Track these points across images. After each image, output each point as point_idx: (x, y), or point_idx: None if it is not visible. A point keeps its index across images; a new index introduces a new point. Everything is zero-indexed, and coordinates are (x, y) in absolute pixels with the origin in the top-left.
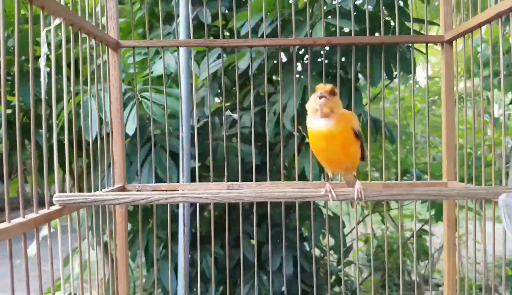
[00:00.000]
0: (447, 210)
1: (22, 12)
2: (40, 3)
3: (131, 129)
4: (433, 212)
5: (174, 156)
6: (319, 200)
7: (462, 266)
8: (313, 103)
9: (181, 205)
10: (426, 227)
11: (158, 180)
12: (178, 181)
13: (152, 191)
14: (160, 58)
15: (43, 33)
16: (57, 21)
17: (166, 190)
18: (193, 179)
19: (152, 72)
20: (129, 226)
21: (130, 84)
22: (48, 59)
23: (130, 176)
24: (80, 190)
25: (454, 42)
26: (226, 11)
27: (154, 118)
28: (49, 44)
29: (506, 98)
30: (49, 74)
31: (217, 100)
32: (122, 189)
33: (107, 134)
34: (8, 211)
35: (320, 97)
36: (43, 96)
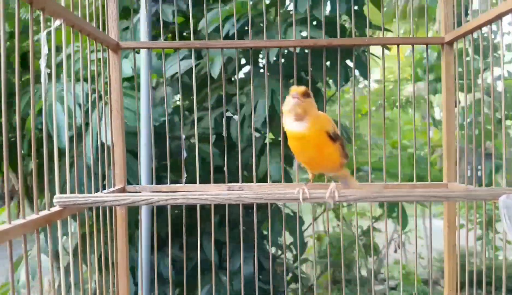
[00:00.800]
0: (447, 211)
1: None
2: (41, 5)
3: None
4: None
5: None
6: (320, 201)
7: (407, 260)
8: (287, 104)
9: (143, 208)
10: (375, 225)
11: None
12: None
13: (152, 192)
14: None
15: (43, 34)
16: (58, 22)
17: (167, 192)
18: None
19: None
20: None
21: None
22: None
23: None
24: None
25: (454, 43)
26: (188, 9)
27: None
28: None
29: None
30: (49, 75)
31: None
32: (123, 190)
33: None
34: (9, 212)
35: (293, 98)
36: (43, 97)
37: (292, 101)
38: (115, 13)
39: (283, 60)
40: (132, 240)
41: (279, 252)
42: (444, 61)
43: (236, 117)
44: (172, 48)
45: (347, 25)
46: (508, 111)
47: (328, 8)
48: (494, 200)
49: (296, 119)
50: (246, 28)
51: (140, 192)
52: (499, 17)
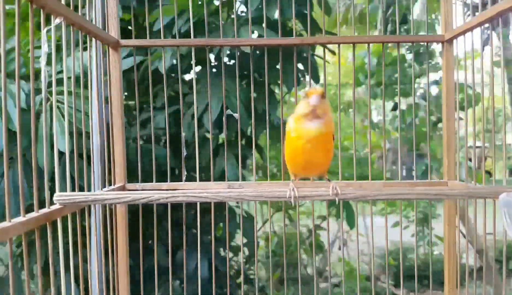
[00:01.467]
0: (447, 209)
1: None
2: (41, 3)
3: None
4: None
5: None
6: (319, 199)
7: (349, 257)
8: (305, 107)
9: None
10: (319, 223)
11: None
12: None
13: (152, 190)
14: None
15: (43, 32)
16: (57, 20)
17: (167, 190)
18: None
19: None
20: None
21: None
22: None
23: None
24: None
25: (454, 41)
26: (135, 6)
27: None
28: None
29: (387, 105)
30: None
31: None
32: (123, 188)
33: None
34: (9, 210)
35: (313, 100)
36: (43, 95)
37: (312, 102)
38: (115, 11)
39: (233, 61)
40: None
41: (231, 254)
42: (444, 60)
43: (236, 115)
44: (172, 46)
45: (297, 27)
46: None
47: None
48: (495, 198)
49: (313, 118)
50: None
51: (141, 190)
52: (499, 14)
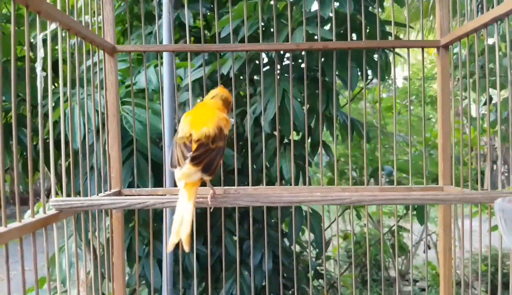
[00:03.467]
0: (443, 214)
1: None
2: (37, 8)
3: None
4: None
5: (154, 165)
6: (314, 205)
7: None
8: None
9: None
10: (401, 224)
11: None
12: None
13: (148, 195)
14: (144, 67)
15: (39, 37)
16: (53, 25)
17: (163, 194)
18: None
19: (135, 83)
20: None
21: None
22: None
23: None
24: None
25: (450, 46)
26: (208, 13)
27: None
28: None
29: (482, 99)
30: (45, 78)
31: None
32: (119, 193)
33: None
34: (5, 215)
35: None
36: (39, 100)
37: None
38: (111, 16)
39: (291, 62)
40: (160, 236)
41: (301, 250)
42: (439, 64)
43: (232, 120)
44: (167, 51)
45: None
46: None
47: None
48: (490, 203)
49: None
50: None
51: (137, 195)
52: (495, 20)
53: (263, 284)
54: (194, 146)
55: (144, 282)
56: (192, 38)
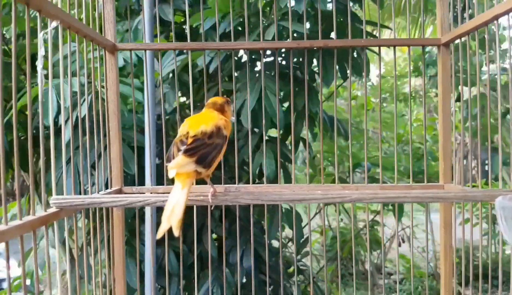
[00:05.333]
0: (443, 212)
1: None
2: (37, 6)
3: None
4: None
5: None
6: (314, 202)
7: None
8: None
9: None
10: (377, 218)
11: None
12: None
13: (149, 193)
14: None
15: (40, 35)
16: (54, 24)
17: (164, 193)
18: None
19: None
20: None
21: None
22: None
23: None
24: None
25: (451, 44)
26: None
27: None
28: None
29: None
30: (45, 76)
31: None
32: (119, 191)
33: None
34: (5, 213)
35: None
36: (40, 98)
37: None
38: (112, 14)
39: (279, 58)
40: (141, 235)
41: (278, 245)
42: (440, 62)
43: (233, 119)
44: (169, 49)
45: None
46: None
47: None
48: (491, 201)
49: None
50: (240, 28)
51: (137, 193)
52: (496, 18)
53: (244, 281)
54: (190, 140)
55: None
56: (171, 34)
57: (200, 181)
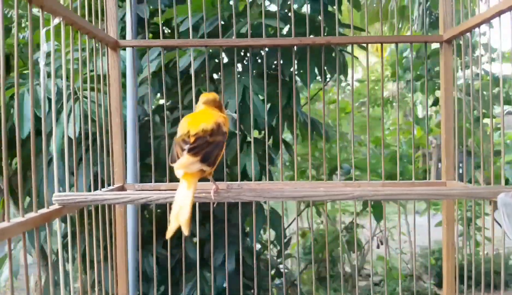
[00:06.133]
0: (446, 210)
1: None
2: (40, 3)
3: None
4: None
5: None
6: (317, 200)
7: (390, 256)
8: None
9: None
10: (357, 221)
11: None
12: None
13: (151, 190)
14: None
15: (42, 32)
16: (57, 20)
17: (166, 190)
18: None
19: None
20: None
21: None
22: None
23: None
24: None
25: (453, 41)
26: (167, 6)
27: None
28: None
29: (428, 100)
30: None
31: (158, 98)
32: (122, 188)
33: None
34: (8, 210)
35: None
36: (42, 96)
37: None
38: (114, 11)
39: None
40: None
41: (263, 249)
42: (442, 59)
43: (234, 115)
44: (171, 46)
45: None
46: (486, 110)
47: (297, 5)
48: (493, 198)
49: None
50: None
51: (140, 190)
52: (498, 14)
53: (224, 285)
54: (192, 139)
55: (100, 288)
56: (151, 35)
57: (202, 178)
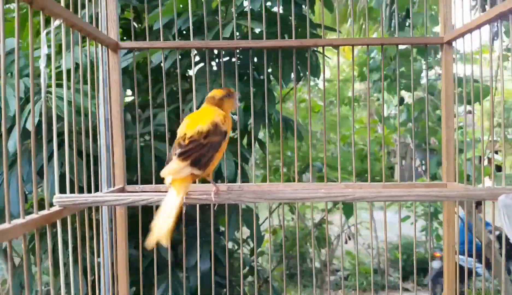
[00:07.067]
0: (446, 211)
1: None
2: (41, 5)
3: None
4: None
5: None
6: (318, 201)
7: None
8: (230, 105)
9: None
10: (322, 216)
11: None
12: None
13: (152, 192)
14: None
15: (43, 34)
16: (57, 22)
17: (166, 192)
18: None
19: (59, 67)
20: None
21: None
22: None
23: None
24: None
25: (454, 42)
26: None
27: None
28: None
29: (394, 100)
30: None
31: (129, 94)
32: (122, 190)
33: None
34: (9, 212)
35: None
36: (43, 97)
37: (237, 103)
38: (115, 13)
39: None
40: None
41: (236, 247)
42: (443, 61)
43: (235, 117)
44: (171, 48)
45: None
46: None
47: (269, 5)
48: (493, 200)
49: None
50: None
51: (140, 192)
52: (499, 16)
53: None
54: (187, 142)
55: (67, 292)
56: (121, 30)
57: (203, 180)
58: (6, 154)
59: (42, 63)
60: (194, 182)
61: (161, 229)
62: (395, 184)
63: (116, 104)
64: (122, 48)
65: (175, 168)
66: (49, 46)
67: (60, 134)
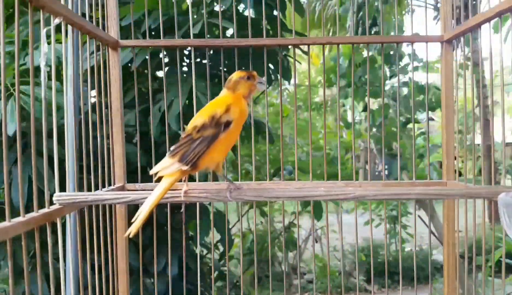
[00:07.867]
0: (446, 209)
1: None
2: (40, 3)
3: (11, 129)
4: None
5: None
6: (319, 199)
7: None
8: (245, 87)
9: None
10: (292, 220)
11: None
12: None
13: (152, 190)
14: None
15: (43, 32)
16: (57, 20)
17: None
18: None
19: (25, 64)
20: None
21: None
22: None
23: None
24: None
25: (453, 41)
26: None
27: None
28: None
29: (359, 106)
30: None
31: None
32: (122, 188)
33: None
34: (9, 210)
35: (260, 81)
36: (43, 96)
37: (261, 86)
38: (115, 11)
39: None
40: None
41: (205, 251)
42: (443, 60)
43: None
44: (171, 46)
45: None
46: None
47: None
48: (493, 198)
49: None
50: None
51: (141, 190)
52: (499, 15)
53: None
54: (183, 137)
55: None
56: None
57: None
58: (6, 154)
59: (42, 62)
60: (180, 181)
61: (139, 216)
62: (396, 183)
63: (116, 101)
64: (122, 46)
65: (164, 165)
66: (49, 43)
67: (60, 131)
